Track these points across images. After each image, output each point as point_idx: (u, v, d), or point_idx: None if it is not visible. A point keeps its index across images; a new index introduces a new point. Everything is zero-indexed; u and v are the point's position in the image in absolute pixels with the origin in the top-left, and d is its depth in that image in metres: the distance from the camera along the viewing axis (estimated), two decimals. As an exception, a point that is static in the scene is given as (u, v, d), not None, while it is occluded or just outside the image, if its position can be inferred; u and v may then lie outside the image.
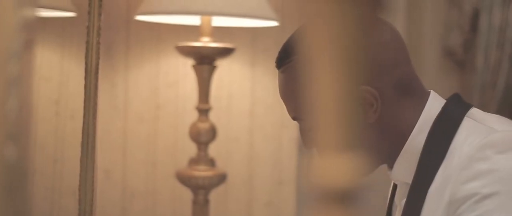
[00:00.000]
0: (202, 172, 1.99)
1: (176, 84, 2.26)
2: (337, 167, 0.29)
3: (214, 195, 2.21)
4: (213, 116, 2.17)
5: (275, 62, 1.17)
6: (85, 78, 1.38)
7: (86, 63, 1.39)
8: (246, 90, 2.27)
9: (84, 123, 1.38)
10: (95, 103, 1.35)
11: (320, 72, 0.29)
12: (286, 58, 1.13)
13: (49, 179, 2.13)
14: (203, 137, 2.01)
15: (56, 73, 2.13)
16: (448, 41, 3.30)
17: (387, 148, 1.15)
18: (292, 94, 1.13)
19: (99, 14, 1.34)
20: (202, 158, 2.02)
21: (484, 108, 3.33)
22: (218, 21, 2.03)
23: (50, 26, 2.11)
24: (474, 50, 3.23)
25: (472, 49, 3.26)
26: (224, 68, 2.24)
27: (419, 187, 1.10)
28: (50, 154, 2.13)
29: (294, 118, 1.16)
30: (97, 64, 1.35)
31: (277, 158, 2.29)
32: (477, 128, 1.07)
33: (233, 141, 2.28)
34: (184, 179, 2.01)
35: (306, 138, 1.18)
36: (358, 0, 0.30)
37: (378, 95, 1.11)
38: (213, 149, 2.16)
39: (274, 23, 2.04)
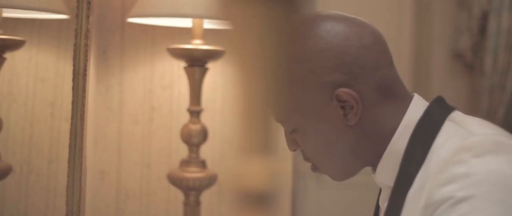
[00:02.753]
0: (193, 173, 2.00)
1: (170, 86, 2.27)
2: (254, 169, 0.30)
3: (207, 197, 2.22)
4: (206, 118, 2.18)
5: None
6: (73, 79, 1.40)
7: (73, 65, 1.41)
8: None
9: (71, 124, 1.40)
10: (83, 105, 1.36)
11: (241, 74, 0.30)
12: None
13: (44, 179, 2.14)
14: (194, 139, 2.01)
15: (51, 75, 2.14)
16: (457, 44, 3.30)
17: (369, 151, 1.15)
18: None
19: (87, 17, 1.35)
20: (193, 159, 2.02)
21: (492, 110, 3.30)
22: (210, 24, 2.04)
23: (45, 28, 2.12)
24: (483, 52, 3.22)
25: (481, 52, 3.25)
26: (217, 71, 2.24)
27: (399, 190, 1.10)
28: (45, 154, 2.14)
29: (277, 121, 1.17)
30: (85, 66, 1.36)
31: (270, 160, 2.30)
32: (457, 131, 1.08)
33: (227, 143, 2.28)
34: (175, 181, 2.02)
35: (288, 140, 1.19)
36: (276, 2, 0.31)
37: (358, 98, 1.11)
38: (206, 151, 2.17)
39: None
